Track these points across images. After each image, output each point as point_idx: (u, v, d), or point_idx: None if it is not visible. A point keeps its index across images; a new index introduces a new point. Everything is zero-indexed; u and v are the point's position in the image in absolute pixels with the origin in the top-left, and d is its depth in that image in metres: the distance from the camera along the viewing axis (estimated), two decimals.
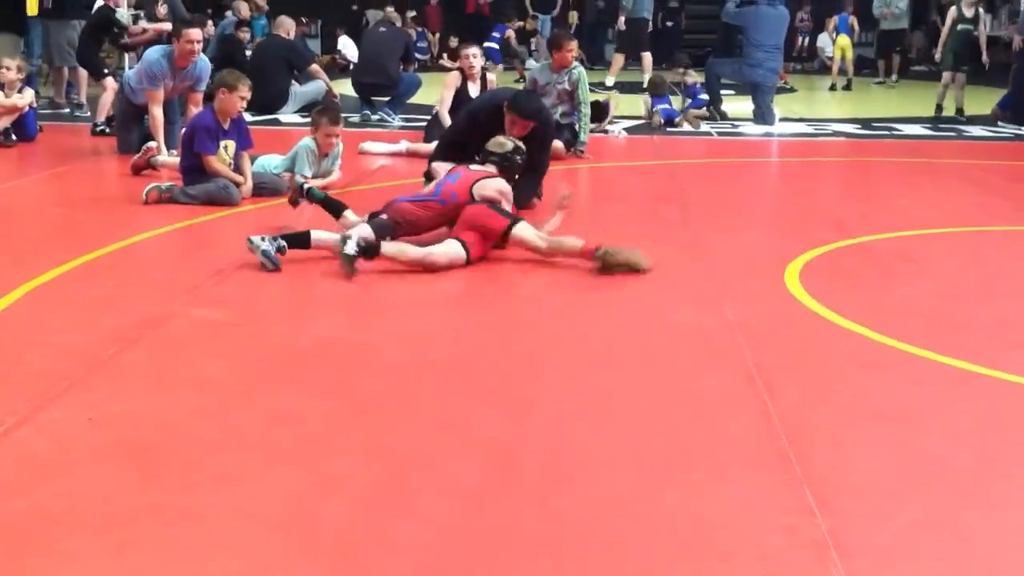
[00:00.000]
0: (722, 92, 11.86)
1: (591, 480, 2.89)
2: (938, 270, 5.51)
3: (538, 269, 5.17)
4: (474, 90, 8.83)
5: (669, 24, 21.56)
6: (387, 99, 10.91)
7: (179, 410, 3.32)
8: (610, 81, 14.79)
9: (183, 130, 7.10)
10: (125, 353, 3.80)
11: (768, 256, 5.52)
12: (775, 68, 11.44)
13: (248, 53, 11.94)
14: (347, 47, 17.67)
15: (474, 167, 5.53)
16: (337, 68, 16.67)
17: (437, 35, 21.06)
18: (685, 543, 2.58)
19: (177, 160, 6.96)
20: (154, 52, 8.00)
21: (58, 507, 2.66)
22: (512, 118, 5.99)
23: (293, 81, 11.28)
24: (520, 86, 11.09)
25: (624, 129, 10.52)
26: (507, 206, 5.36)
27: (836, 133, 11.13)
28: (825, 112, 13.84)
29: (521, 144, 5.75)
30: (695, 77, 11.85)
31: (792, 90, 16.16)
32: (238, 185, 6.47)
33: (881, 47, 17.39)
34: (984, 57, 12.53)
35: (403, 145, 8.71)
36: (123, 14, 10.72)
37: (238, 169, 6.57)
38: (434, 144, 7.34)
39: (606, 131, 10.28)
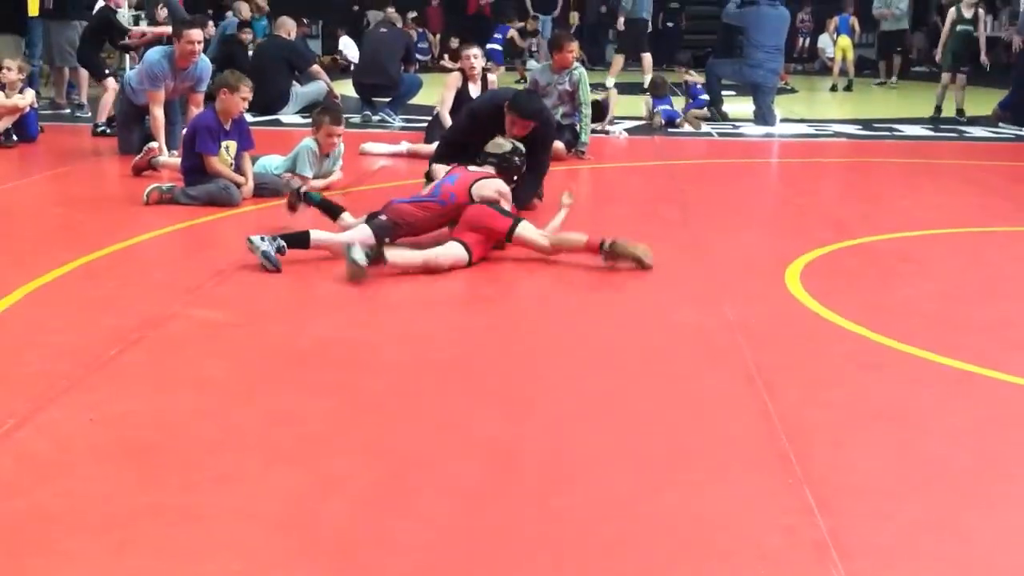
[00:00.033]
0: (723, 93, 11.86)
1: (591, 480, 2.89)
2: (939, 271, 5.50)
3: (538, 269, 5.17)
4: (475, 91, 8.83)
5: (670, 25, 21.57)
6: (388, 100, 10.92)
7: (179, 410, 3.32)
8: (610, 82, 14.77)
9: (184, 131, 7.11)
10: (126, 353, 3.80)
11: (769, 256, 5.52)
12: (776, 69, 11.44)
13: (249, 54, 11.95)
14: (348, 48, 17.69)
15: (473, 168, 5.54)
16: (338, 69, 16.68)
17: (438, 36, 21.08)
18: (685, 543, 2.58)
19: (178, 161, 6.96)
20: (155, 53, 8.01)
21: (58, 507, 2.66)
22: (512, 118, 5.99)
23: (294, 82, 11.29)
24: (521, 87, 11.10)
25: (625, 130, 10.52)
26: (506, 206, 5.36)
27: (837, 134, 11.13)
28: (826, 113, 13.85)
29: (520, 145, 5.75)
30: (695, 77, 11.85)
31: (793, 91, 16.17)
32: (239, 186, 6.48)
33: (882, 48, 17.40)
34: (983, 58, 12.52)
35: (404, 146, 8.72)
36: (124, 15, 10.73)
37: (239, 170, 6.57)
38: (435, 145, 7.35)
39: (607, 131, 10.28)
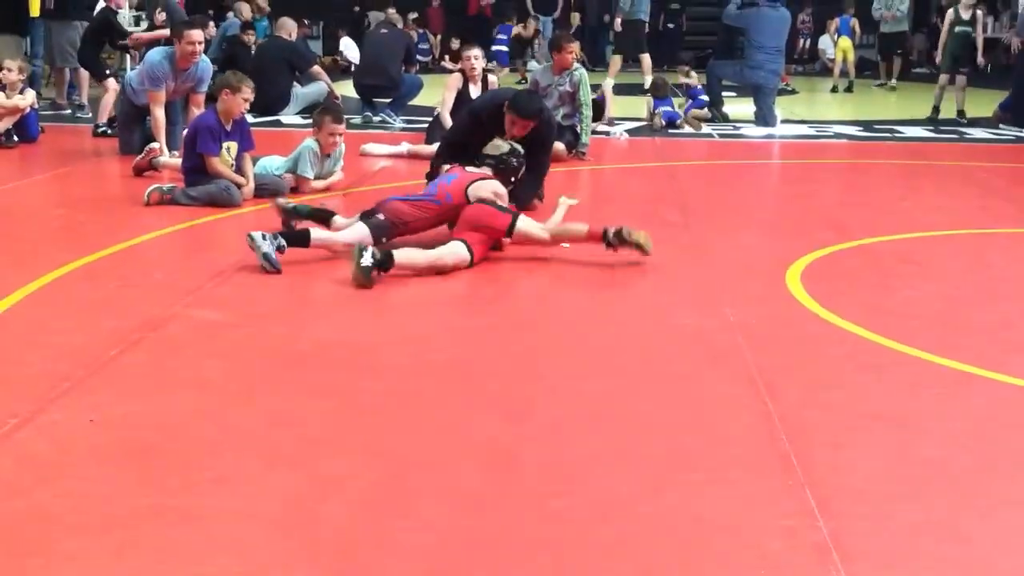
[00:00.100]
0: (723, 94, 11.86)
1: (591, 481, 2.89)
2: (939, 272, 5.50)
3: (538, 270, 5.17)
4: (475, 92, 8.82)
5: (670, 26, 21.57)
6: (389, 101, 10.92)
7: (179, 411, 3.32)
8: (609, 83, 14.76)
9: (185, 131, 7.11)
10: (126, 354, 3.80)
11: (769, 258, 5.52)
12: (776, 70, 11.44)
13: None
14: (349, 49, 17.69)
15: (471, 169, 5.54)
16: (338, 70, 16.68)
17: (439, 37, 21.07)
18: (685, 545, 2.58)
19: (179, 161, 6.96)
20: (156, 53, 8.02)
21: (58, 508, 2.66)
22: (512, 118, 5.98)
23: (295, 83, 11.29)
24: (522, 87, 11.09)
25: (625, 131, 10.52)
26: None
27: (837, 135, 11.13)
28: (826, 114, 13.84)
29: (518, 147, 5.75)
30: (692, 80, 11.84)
31: (793, 92, 16.17)
32: (240, 186, 6.48)
33: (882, 49, 17.38)
34: (980, 59, 12.49)
35: (404, 147, 8.72)
36: (124, 15, 10.73)
37: (240, 170, 6.57)
38: (435, 146, 7.34)
39: (608, 132, 10.28)
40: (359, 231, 5.12)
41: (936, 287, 5.15)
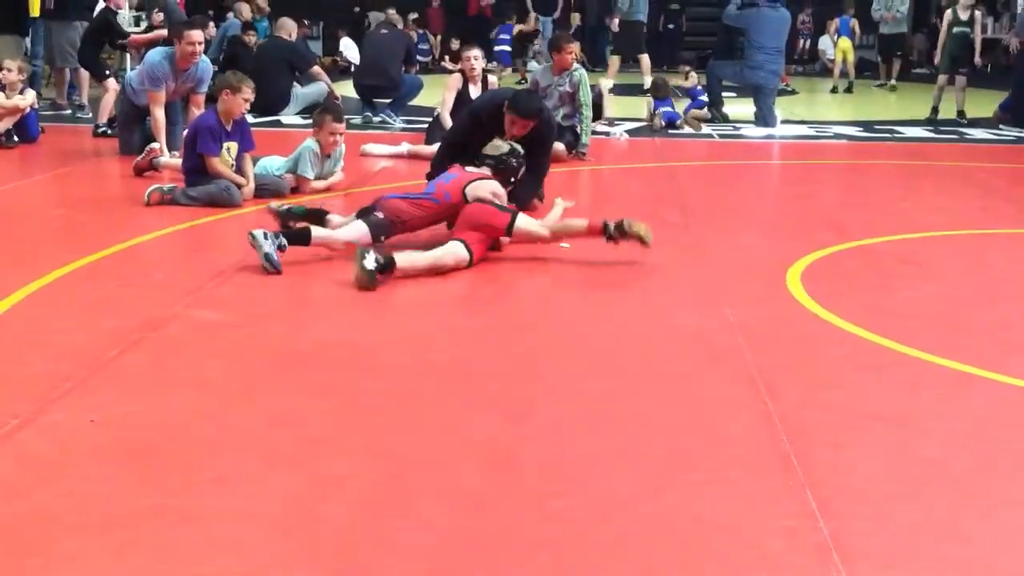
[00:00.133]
0: (723, 94, 11.86)
1: (591, 482, 2.89)
2: (940, 273, 5.50)
3: (538, 270, 5.18)
4: (475, 92, 8.82)
5: (670, 27, 21.56)
6: (389, 101, 10.92)
7: (180, 411, 3.32)
8: (609, 84, 14.75)
9: (185, 132, 7.11)
10: (126, 354, 3.80)
11: (769, 258, 5.52)
12: (776, 70, 11.44)
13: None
14: (349, 49, 17.69)
15: (470, 168, 5.54)
16: (338, 70, 16.68)
17: (439, 37, 21.07)
18: (685, 545, 2.58)
19: (179, 162, 6.96)
20: (156, 54, 8.02)
21: (59, 508, 2.66)
22: (512, 118, 5.97)
23: (295, 83, 11.29)
24: (522, 88, 11.09)
25: (625, 131, 10.52)
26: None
27: (837, 135, 11.13)
28: (826, 114, 13.85)
29: (517, 147, 5.75)
30: (694, 79, 11.84)
31: (793, 92, 16.17)
32: (240, 187, 6.48)
33: (882, 50, 17.38)
34: (977, 59, 12.47)
35: (404, 147, 8.72)
36: (125, 15, 10.73)
37: (240, 171, 6.57)
38: (435, 146, 7.34)
39: (607, 132, 10.28)
40: (358, 229, 5.13)
41: (936, 288, 5.15)
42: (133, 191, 6.72)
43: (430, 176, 6.39)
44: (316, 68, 11.68)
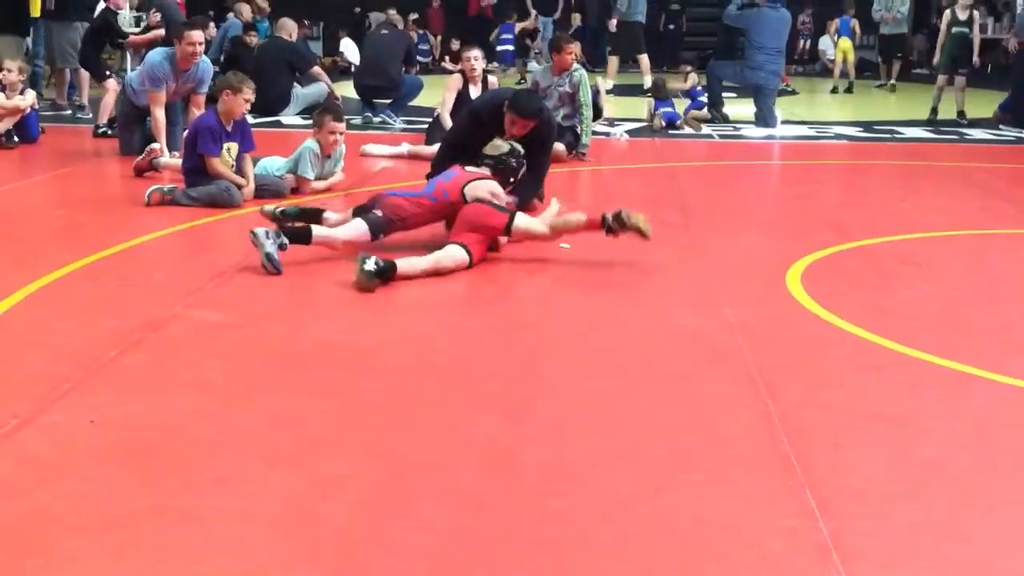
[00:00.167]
0: (724, 95, 11.86)
1: (591, 482, 2.89)
2: (940, 273, 5.50)
3: (538, 271, 5.17)
4: (475, 92, 8.82)
5: (671, 27, 21.56)
6: (389, 101, 10.92)
7: (180, 412, 3.32)
8: (608, 84, 14.76)
9: (185, 132, 7.11)
10: (126, 355, 3.80)
11: (769, 259, 5.52)
12: (777, 71, 11.44)
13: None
14: (349, 49, 17.69)
15: (470, 168, 5.54)
16: (338, 70, 16.68)
17: (439, 37, 21.07)
18: (685, 545, 2.58)
19: (179, 162, 6.97)
20: (156, 54, 8.02)
21: (59, 508, 2.67)
22: (512, 117, 5.97)
23: (295, 83, 11.29)
24: (522, 88, 11.09)
25: (625, 132, 10.53)
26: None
27: (838, 136, 11.13)
28: (827, 115, 13.85)
29: (518, 147, 5.75)
30: (695, 80, 11.84)
31: (794, 93, 16.17)
32: (240, 187, 6.48)
33: (882, 51, 17.37)
34: (975, 59, 12.46)
35: (405, 147, 8.72)
36: (125, 15, 10.73)
37: (240, 171, 6.57)
38: (435, 146, 7.34)
39: (607, 133, 10.28)
40: (357, 227, 5.13)
41: (936, 288, 5.15)
42: (133, 191, 6.72)
43: (430, 177, 6.39)
44: (316, 68, 11.69)
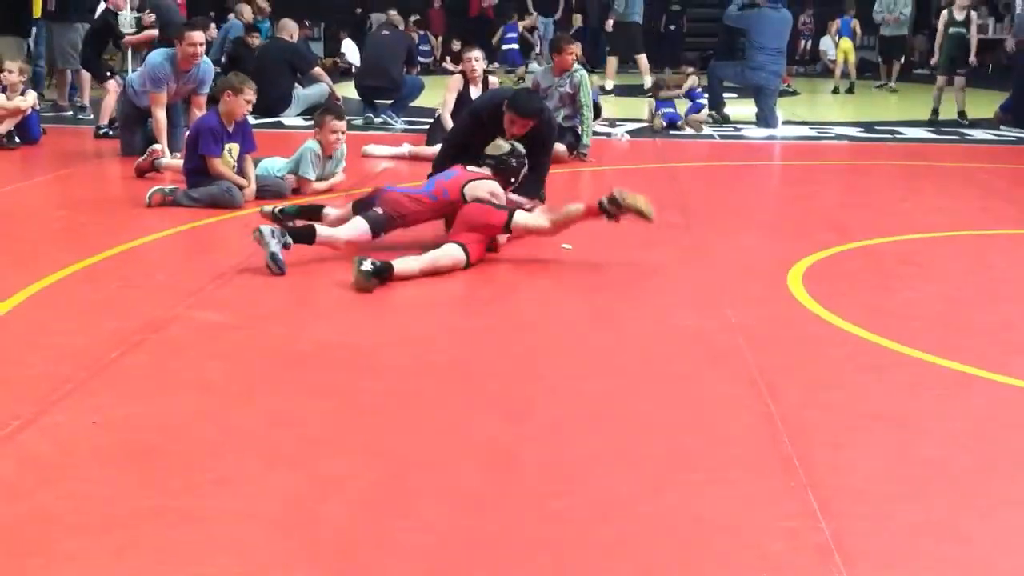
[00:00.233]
0: (725, 95, 11.86)
1: (591, 482, 2.89)
2: (941, 274, 5.50)
3: (538, 271, 5.18)
4: (476, 93, 8.82)
5: (672, 28, 21.56)
6: (390, 102, 10.92)
7: (181, 412, 3.32)
8: (609, 84, 14.78)
9: (187, 133, 7.11)
10: (127, 356, 3.81)
11: (770, 259, 5.52)
12: (778, 71, 11.44)
13: None
14: (350, 50, 17.70)
15: (471, 168, 5.54)
16: (338, 71, 16.68)
17: (440, 38, 21.08)
18: (685, 545, 2.59)
19: (180, 163, 6.97)
20: (157, 55, 8.03)
21: (60, 509, 2.67)
22: (511, 117, 5.96)
23: (296, 84, 11.30)
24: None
25: (627, 132, 10.53)
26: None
27: (839, 136, 11.13)
28: (828, 115, 13.85)
29: (519, 147, 5.74)
30: (694, 81, 11.83)
31: (795, 93, 16.17)
32: (241, 188, 6.48)
33: (882, 52, 17.36)
34: (972, 59, 12.44)
35: (406, 148, 8.73)
36: (125, 17, 10.73)
37: (241, 172, 6.58)
38: (436, 147, 7.34)
39: (609, 133, 10.28)
40: (358, 226, 5.13)
41: (937, 288, 5.15)
42: (134, 192, 6.73)
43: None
44: (317, 69, 11.69)
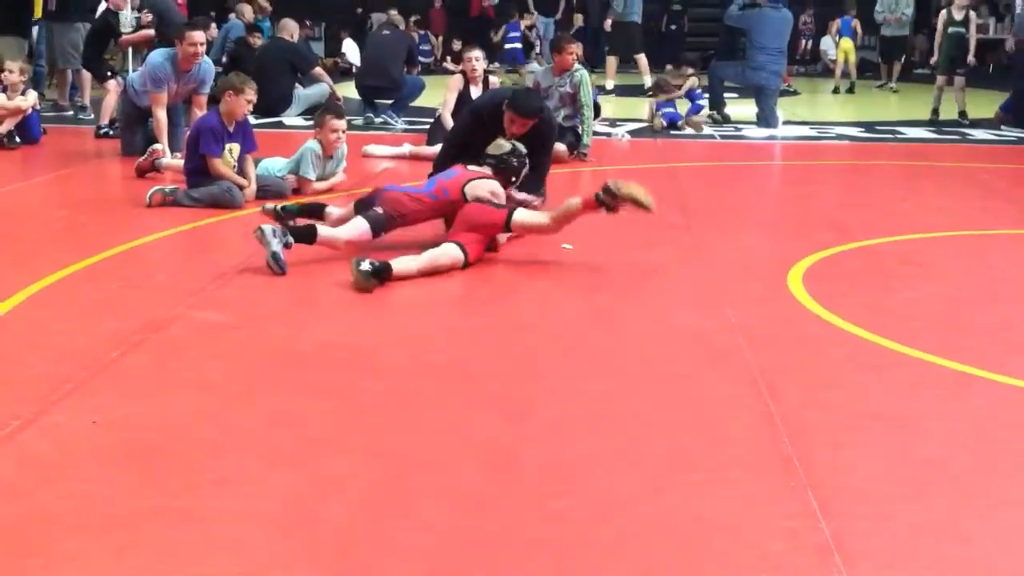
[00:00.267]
0: (725, 95, 11.86)
1: (591, 482, 2.89)
2: (941, 274, 5.50)
3: (537, 271, 5.18)
4: (476, 93, 8.82)
5: (673, 28, 21.56)
6: (390, 102, 10.92)
7: (181, 412, 3.32)
8: (609, 84, 14.77)
9: (187, 133, 7.11)
10: (128, 356, 3.81)
11: (771, 259, 5.52)
12: (778, 71, 11.44)
13: None
14: (350, 50, 17.70)
15: (472, 167, 5.55)
16: (339, 71, 16.69)
17: (440, 38, 21.08)
18: (685, 545, 2.59)
19: (181, 163, 6.97)
20: (158, 55, 8.03)
21: (60, 509, 2.67)
22: (511, 116, 5.96)
23: (296, 84, 11.30)
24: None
25: (627, 132, 10.53)
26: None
27: (839, 136, 11.13)
28: (828, 115, 13.84)
29: (520, 146, 5.74)
30: (694, 82, 11.83)
31: (795, 93, 16.16)
32: (242, 188, 6.48)
33: (883, 52, 17.37)
34: (970, 58, 12.42)
35: (406, 148, 8.73)
36: (126, 17, 10.73)
37: (242, 172, 6.58)
38: (437, 147, 7.34)
39: (609, 133, 10.28)
40: (359, 226, 5.14)
41: (937, 288, 5.15)
42: (135, 192, 6.73)
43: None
44: (318, 69, 11.70)
